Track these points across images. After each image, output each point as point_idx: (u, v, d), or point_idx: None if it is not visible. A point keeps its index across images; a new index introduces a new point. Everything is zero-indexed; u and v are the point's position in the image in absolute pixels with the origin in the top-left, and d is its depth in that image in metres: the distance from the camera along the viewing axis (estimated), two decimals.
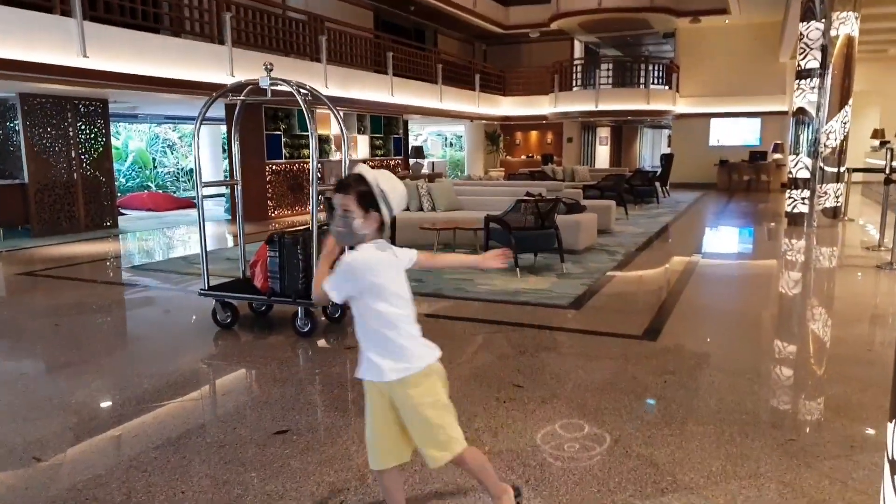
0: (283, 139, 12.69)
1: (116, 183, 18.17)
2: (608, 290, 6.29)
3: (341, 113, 14.25)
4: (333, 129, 14.54)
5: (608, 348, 4.45)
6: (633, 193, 13.94)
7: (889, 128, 16.88)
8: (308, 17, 12.51)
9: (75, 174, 9.98)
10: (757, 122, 19.68)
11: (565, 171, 15.53)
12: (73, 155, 9.92)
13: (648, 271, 7.71)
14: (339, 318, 4.86)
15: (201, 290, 4.76)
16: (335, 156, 14.53)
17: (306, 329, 4.47)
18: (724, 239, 10.73)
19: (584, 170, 16.09)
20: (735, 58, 19.27)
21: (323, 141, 13.87)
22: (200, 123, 4.70)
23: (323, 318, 4.94)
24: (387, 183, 2.04)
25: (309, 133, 4.55)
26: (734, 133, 20.04)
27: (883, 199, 8.25)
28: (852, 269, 7.47)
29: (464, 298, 5.87)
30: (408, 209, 9.18)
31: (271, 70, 4.62)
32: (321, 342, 4.58)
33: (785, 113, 18.78)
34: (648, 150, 33.87)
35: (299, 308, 4.46)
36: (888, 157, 8.15)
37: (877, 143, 16.58)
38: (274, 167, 12.38)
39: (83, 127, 10.08)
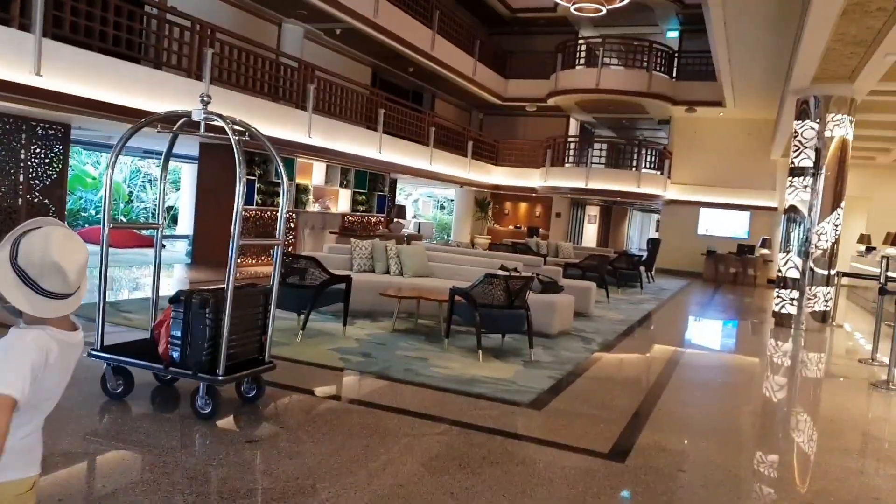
0: (258, 185, 12.13)
1: (86, 214, 17.56)
2: (577, 386, 5.60)
3: (322, 164, 13.72)
4: (314, 179, 14.05)
5: (566, 469, 3.72)
6: (617, 276, 13.40)
7: (874, 234, 16.64)
8: (299, 63, 12.18)
9: (20, 200, 9.25)
10: (746, 215, 19.46)
11: (549, 247, 15.05)
12: (20, 179, 9.23)
13: (625, 367, 7.04)
14: (254, 398, 4.11)
15: (92, 349, 3.99)
16: (313, 207, 13.97)
17: (207, 410, 3.70)
18: (708, 336, 10.13)
19: (568, 247, 15.63)
20: (727, 150, 19.21)
21: (300, 191, 13.34)
22: (117, 156, 4.07)
23: (235, 397, 4.19)
24: (29, 247, 1.52)
25: (237, 175, 3.91)
26: (723, 224, 19.79)
27: (877, 311, 7.71)
28: (847, 386, 6.84)
29: (411, 383, 5.14)
30: (373, 271, 8.55)
31: (208, 102, 4.05)
32: (223, 426, 3.81)
33: (774, 209, 18.59)
34: (637, 233, 33.80)
35: (201, 384, 3.71)
36: (883, 266, 7.66)
37: (863, 248, 16.34)
38: (244, 213, 11.76)
39: (38, 150, 9.43)
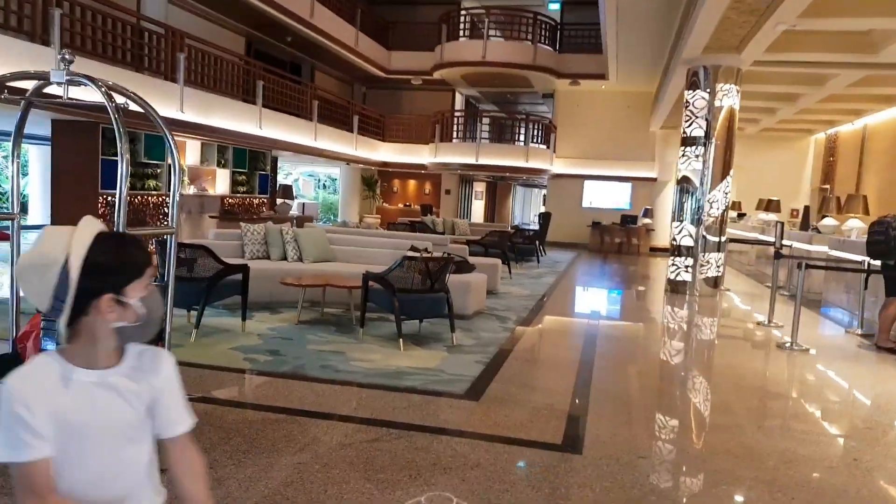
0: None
1: None
2: (508, 369, 5.27)
3: (197, 142, 12.45)
4: (188, 159, 12.75)
5: (526, 468, 3.36)
6: (515, 251, 13.37)
7: (745, 201, 17.86)
8: (166, 30, 10.86)
9: None
10: (628, 186, 20.22)
11: (445, 224, 14.74)
12: None
13: (547, 344, 6.86)
14: None
15: None
16: (189, 189, 12.71)
17: None
18: (612, 306, 10.26)
19: (464, 224, 15.41)
20: (609, 123, 19.77)
21: None
22: None
23: None
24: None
25: (119, 151, 3.10)
26: (607, 196, 20.45)
27: (773, 275, 8.07)
28: (757, 348, 7.06)
29: (332, 381, 4.58)
30: (268, 257, 7.77)
31: (71, 62, 3.19)
32: None
33: (654, 180, 19.45)
34: (520, 208, 34.54)
35: None
36: (777, 231, 8.02)
37: (735, 214, 17.50)
38: (110, 199, 10.37)
39: None
